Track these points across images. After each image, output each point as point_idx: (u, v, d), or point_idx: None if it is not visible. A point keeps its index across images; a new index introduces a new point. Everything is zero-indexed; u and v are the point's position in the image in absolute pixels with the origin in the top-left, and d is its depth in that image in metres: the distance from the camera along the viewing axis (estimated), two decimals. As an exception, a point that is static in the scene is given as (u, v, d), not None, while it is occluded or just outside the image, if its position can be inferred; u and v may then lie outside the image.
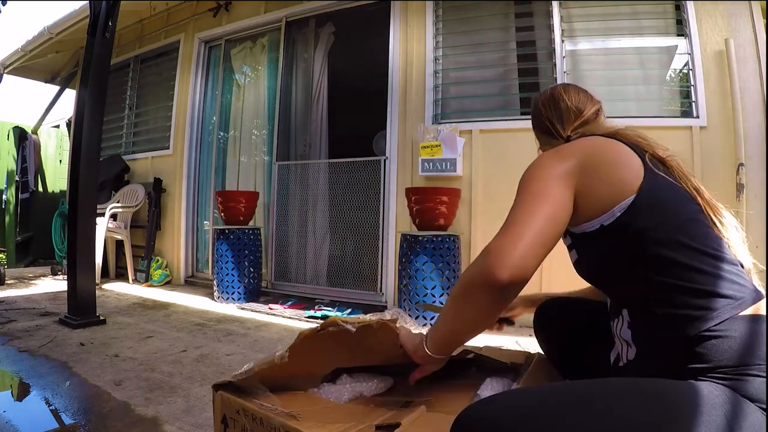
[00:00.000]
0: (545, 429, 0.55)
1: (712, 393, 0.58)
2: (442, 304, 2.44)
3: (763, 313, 0.65)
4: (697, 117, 2.45)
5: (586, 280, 0.86)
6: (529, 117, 1.04)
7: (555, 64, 2.74)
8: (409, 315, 2.47)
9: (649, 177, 0.71)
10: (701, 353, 0.62)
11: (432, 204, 2.52)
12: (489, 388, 0.92)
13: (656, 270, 0.68)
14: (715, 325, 0.63)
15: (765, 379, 0.58)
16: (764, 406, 0.57)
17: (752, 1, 2.43)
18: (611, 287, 0.81)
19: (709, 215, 0.72)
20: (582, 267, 0.84)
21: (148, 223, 4.01)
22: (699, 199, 0.73)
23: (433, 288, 2.44)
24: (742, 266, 0.70)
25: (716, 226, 0.71)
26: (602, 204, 0.72)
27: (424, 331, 0.84)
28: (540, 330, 1.09)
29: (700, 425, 0.54)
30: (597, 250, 0.77)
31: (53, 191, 5.72)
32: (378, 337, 0.85)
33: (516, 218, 0.69)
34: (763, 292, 0.69)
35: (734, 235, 0.72)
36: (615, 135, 0.81)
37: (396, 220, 3.04)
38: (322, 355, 0.87)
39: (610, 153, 0.75)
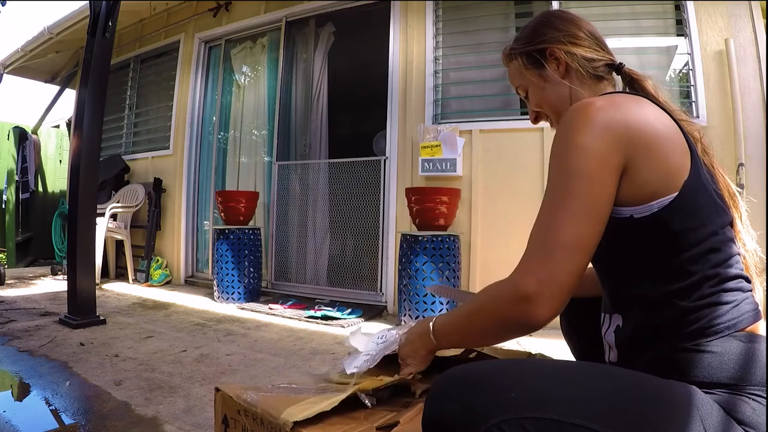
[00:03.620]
0: (512, 380, 0.56)
1: (688, 392, 0.58)
2: (441, 304, 2.44)
3: (757, 332, 0.63)
4: (697, 117, 2.45)
5: (593, 264, 0.76)
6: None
7: (555, 64, 2.73)
8: (408, 316, 2.47)
9: (694, 174, 0.63)
10: (683, 366, 0.62)
11: (432, 204, 2.53)
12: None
13: (668, 278, 0.64)
14: (707, 341, 0.62)
15: (734, 395, 0.58)
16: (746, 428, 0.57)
17: (752, 1, 2.44)
18: (616, 280, 0.73)
19: (737, 227, 0.68)
20: (599, 252, 0.78)
21: (148, 223, 4.01)
22: (732, 208, 0.68)
23: (433, 288, 2.44)
24: (749, 281, 0.67)
25: (740, 239, 0.68)
26: (642, 194, 0.63)
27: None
28: (566, 333, 1.05)
29: (670, 409, 0.55)
30: (617, 238, 0.67)
31: (53, 191, 5.72)
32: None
33: (556, 231, 0.60)
34: (763, 312, 0.67)
35: (750, 245, 0.70)
36: (661, 103, 0.70)
37: (396, 220, 3.04)
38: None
39: (664, 133, 0.63)
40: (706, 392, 0.59)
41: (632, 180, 0.62)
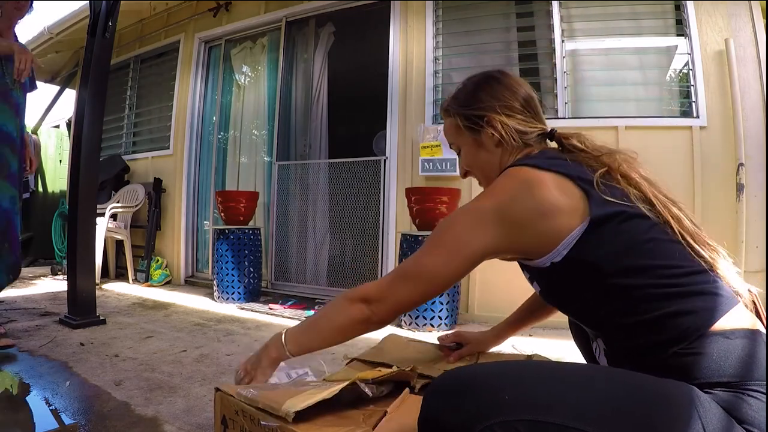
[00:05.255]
0: (511, 383, 0.57)
1: (689, 393, 0.58)
2: (441, 304, 2.44)
3: (735, 326, 0.62)
4: (697, 117, 2.45)
5: (558, 309, 0.86)
6: None
7: (555, 64, 2.74)
8: (409, 316, 2.47)
9: (594, 207, 0.68)
10: (678, 370, 0.62)
11: (432, 204, 2.53)
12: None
13: (618, 301, 0.67)
14: (688, 344, 0.62)
15: (733, 394, 0.59)
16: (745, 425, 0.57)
17: (752, 1, 2.43)
18: (581, 317, 0.78)
19: (684, 228, 0.69)
20: (548, 298, 0.83)
21: (148, 223, 4.01)
22: (670, 218, 0.69)
23: (433, 288, 2.44)
24: (713, 270, 0.67)
25: (683, 239, 0.68)
26: (543, 248, 0.72)
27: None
28: (576, 337, 1.05)
29: (671, 407, 0.56)
30: (557, 282, 0.76)
31: (53, 191, 5.71)
32: (392, 380, 0.88)
33: (414, 270, 0.77)
34: (763, 313, 0.67)
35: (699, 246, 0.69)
36: (586, 152, 0.77)
37: (396, 220, 3.04)
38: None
39: (548, 204, 0.69)
40: (706, 392, 0.59)
41: (519, 242, 0.73)
